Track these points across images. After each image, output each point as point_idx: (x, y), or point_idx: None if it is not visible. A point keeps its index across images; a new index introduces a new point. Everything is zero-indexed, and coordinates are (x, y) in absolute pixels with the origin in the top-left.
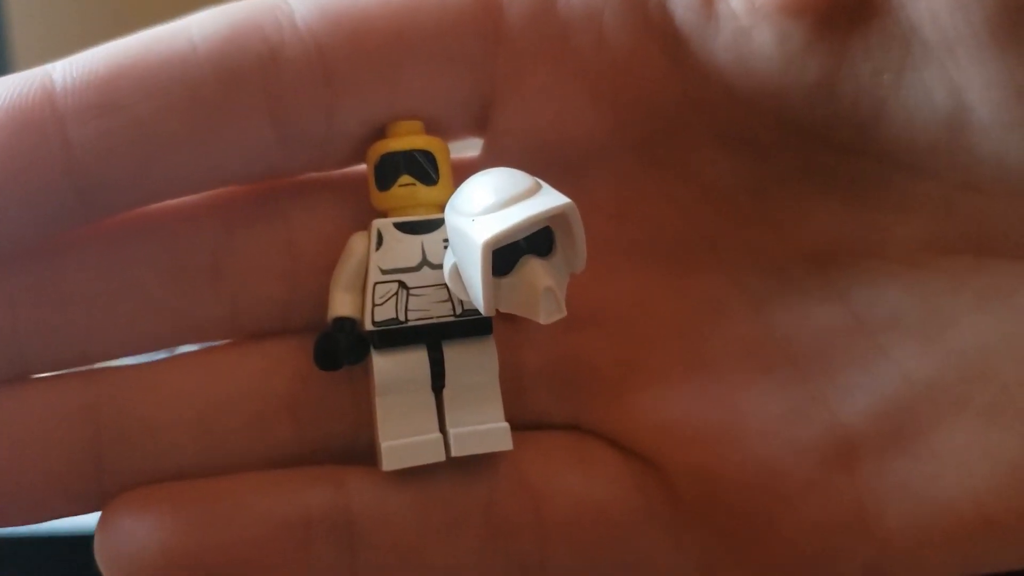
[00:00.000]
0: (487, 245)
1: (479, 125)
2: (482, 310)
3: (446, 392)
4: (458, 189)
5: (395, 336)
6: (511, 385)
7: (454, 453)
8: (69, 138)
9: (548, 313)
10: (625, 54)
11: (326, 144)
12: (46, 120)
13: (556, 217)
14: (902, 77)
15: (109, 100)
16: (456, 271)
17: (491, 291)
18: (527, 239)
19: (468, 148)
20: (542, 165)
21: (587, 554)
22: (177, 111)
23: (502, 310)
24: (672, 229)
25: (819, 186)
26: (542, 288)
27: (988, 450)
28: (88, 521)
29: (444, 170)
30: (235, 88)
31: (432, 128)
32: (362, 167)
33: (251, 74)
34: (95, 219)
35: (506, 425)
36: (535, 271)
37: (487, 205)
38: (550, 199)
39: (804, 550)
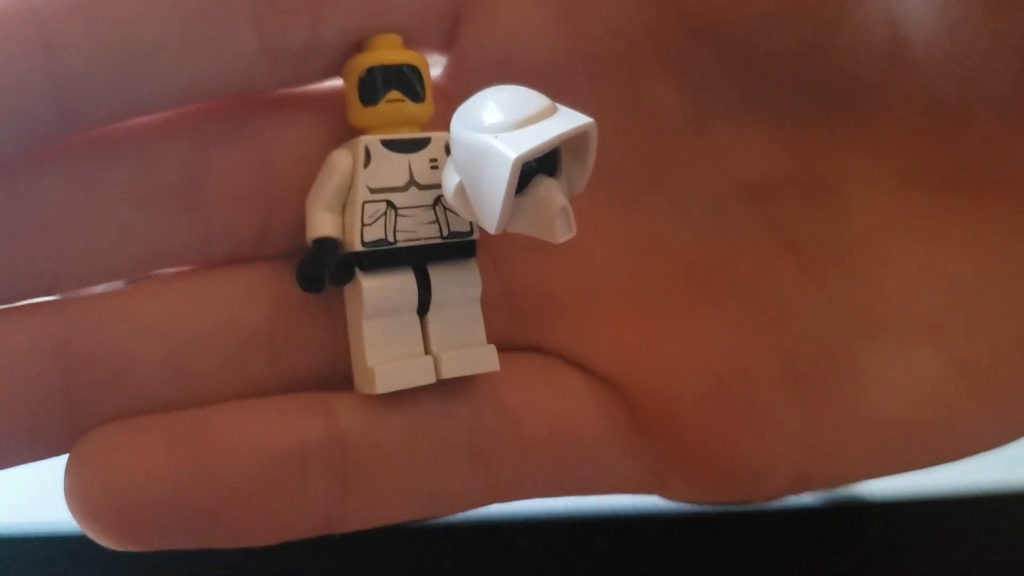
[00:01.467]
0: (518, 161)
1: (447, 42)
2: (492, 229)
3: (430, 315)
4: (465, 104)
5: (385, 257)
6: None
7: (444, 375)
8: (50, 41)
9: (562, 232)
10: None
11: (308, 56)
12: (25, 21)
13: (573, 136)
14: (844, 11)
15: (91, 2)
16: (462, 189)
17: (509, 208)
18: (538, 158)
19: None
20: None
21: (559, 470)
22: (163, 15)
23: (511, 230)
24: (621, 157)
25: (758, 119)
26: (558, 208)
27: (906, 366)
28: None
29: (428, 87)
30: None
31: (406, 43)
32: (337, 83)
33: None
34: (72, 131)
35: (492, 347)
36: (551, 191)
37: (507, 121)
38: (574, 118)
39: (746, 463)
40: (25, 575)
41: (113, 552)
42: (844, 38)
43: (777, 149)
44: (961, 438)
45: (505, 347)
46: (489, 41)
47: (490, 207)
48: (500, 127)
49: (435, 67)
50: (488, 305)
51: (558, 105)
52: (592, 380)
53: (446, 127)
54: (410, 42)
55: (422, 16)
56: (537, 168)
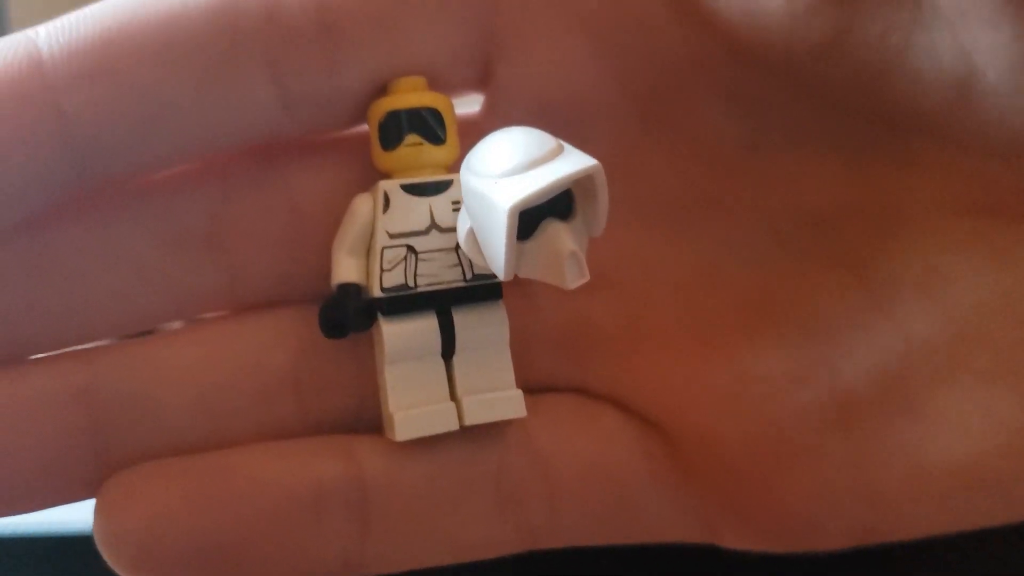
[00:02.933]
0: (514, 209)
1: (481, 80)
2: (501, 275)
3: (456, 359)
4: (474, 148)
5: (405, 303)
6: (516, 349)
7: (467, 422)
8: (63, 108)
9: (573, 278)
10: (629, 7)
11: (329, 103)
12: (35, 91)
13: (581, 179)
14: (910, 39)
15: (101, 67)
16: (472, 235)
17: (514, 256)
18: (549, 201)
19: (467, 104)
20: (544, 121)
21: (595, 516)
22: (173, 74)
23: (521, 276)
24: (671, 188)
25: (820, 146)
26: (567, 253)
27: (984, 410)
28: (90, 520)
29: (451, 129)
30: (233, 47)
31: (434, 84)
32: (364, 127)
33: (250, 31)
34: (91, 187)
35: (519, 392)
36: (559, 235)
37: (510, 166)
38: (576, 160)
39: (802, 512)
40: (25, 575)
41: None
42: (910, 67)
43: (840, 176)
44: None
45: (547, 388)
46: (526, 77)
47: (495, 254)
48: (501, 172)
49: (475, 105)
50: (529, 345)
51: (566, 146)
52: (634, 422)
53: None
54: (439, 83)
55: (448, 57)
56: (549, 211)
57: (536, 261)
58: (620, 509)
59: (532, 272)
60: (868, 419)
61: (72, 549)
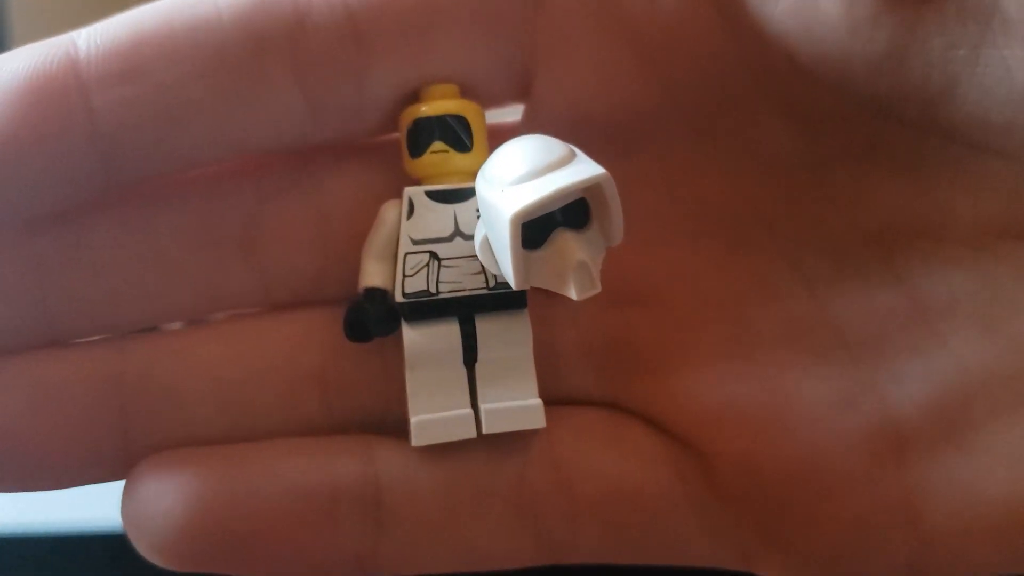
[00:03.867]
0: (516, 218)
1: (521, 91)
2: (513, 284)
3: (478, 367)
4: (490, 157)
5: (426, 308)
6: (549, 360)
7: (485, 430)
8: (93, 105)
9: (581, 289)
10: (677, 18)
11: (358, 111)
12: (70, 88)
13: (591, 188)
14: (979, 54)
15: (132, 67)
16: (487, 243)
17: (521, 265)
18: (562, 210)
19: (510, 113)
20: (587, 134)
21: (619, 534)
22: (202, 78)
23: (534, 285)
24: (724, 204)
25: (882, 163)
26: (575, 262)
27: None
28: (90, 520)
29: (479, 136)
30: (262, 54)
31: (469, 93)
32: (396, 134)
33: (278, 39)
34: (119, 185)
35: (539, 402)
36: (567, 245)
37: (518, 175)
38: (584, 169)
39: (845, 543)
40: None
41: (111, 554)
42: (977, 79)
43: (907, 195)
44: None
45: (578, 401)
46: (565, 87)
47: (505, 262)
48: (509, 180)
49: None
50: (562, 356)
51: (578, 153)
52: (668, 442)
53: None
54: (474, 92)
55: (483, 68)
56: (561, 219)
57: (546, 271)
58: (647, 529)
59: (543, 282)
60: (918, 450)
61: (72, 549)
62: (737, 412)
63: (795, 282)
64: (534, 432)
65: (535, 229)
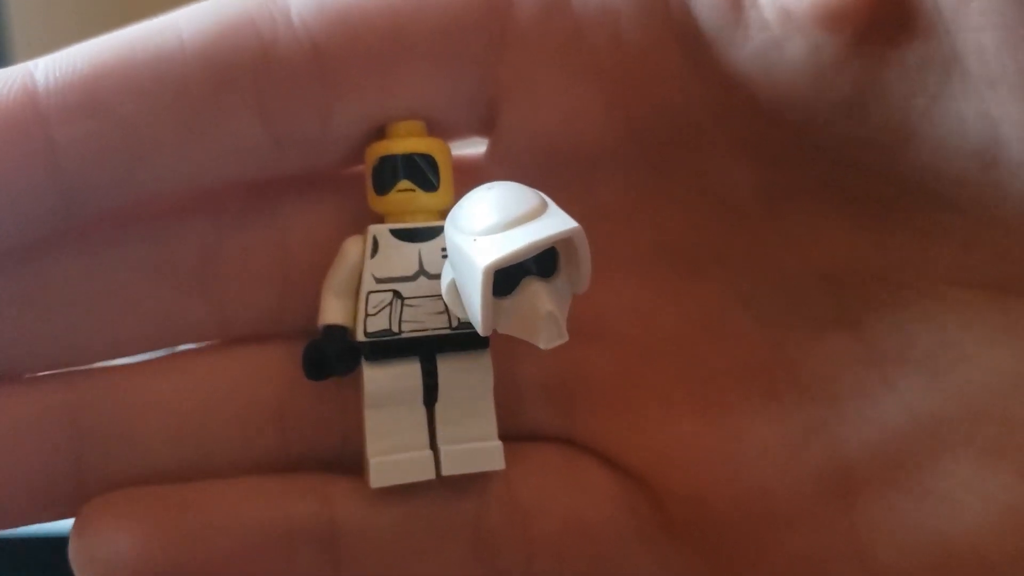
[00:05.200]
0: (488, 269)
1: (485, 125)
2: (480, 331)
3: (438, 406)
4: (460, 202)
5: (388, 348)
6: (505, 396)
7: (444, 472)
8: (53, 139)
9: (548, 338)
10: (642, 56)
11: (321, 145)
12: (29, 121)
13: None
14: (937, 104)
15: (93, 101)
16: (454, 287)
17: (490, 314)
18: (531, 258)
19: (472, 145)
20: (549, 168)
21: (573, 572)
22: (164, 111)
23: (500, 331)
24: (680, 239)
25: (838, 205)
26: (544, 313)
27: (986, 490)
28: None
29: (445, 175)
30: (225, 87)
31: (434, 128)
32: (361, 166)
33: (242, 72)
34: (79, 220)
35: (499, 444)
36: (537, 295)
37: (490, 224)
38: (556, 222)
39: None
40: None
41: None
42: (933, 130)
43: (859, 238)
44: None
45: (531, 436)
46: (530, 122)
47: (474, 309)
48: (481, 230)
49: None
50: (515, 390)
51: (550, 204)
52: (620, 478)
53: None
54: (439, 127)
55: (448, 104)
56: (531, 267)
57: (514, 319)
58: (598, 566)
59: (510, 329)
60: (866, 490)
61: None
62: (689, 450)
63: (748, 320)
64: (492, 472)
65: (505, 275)
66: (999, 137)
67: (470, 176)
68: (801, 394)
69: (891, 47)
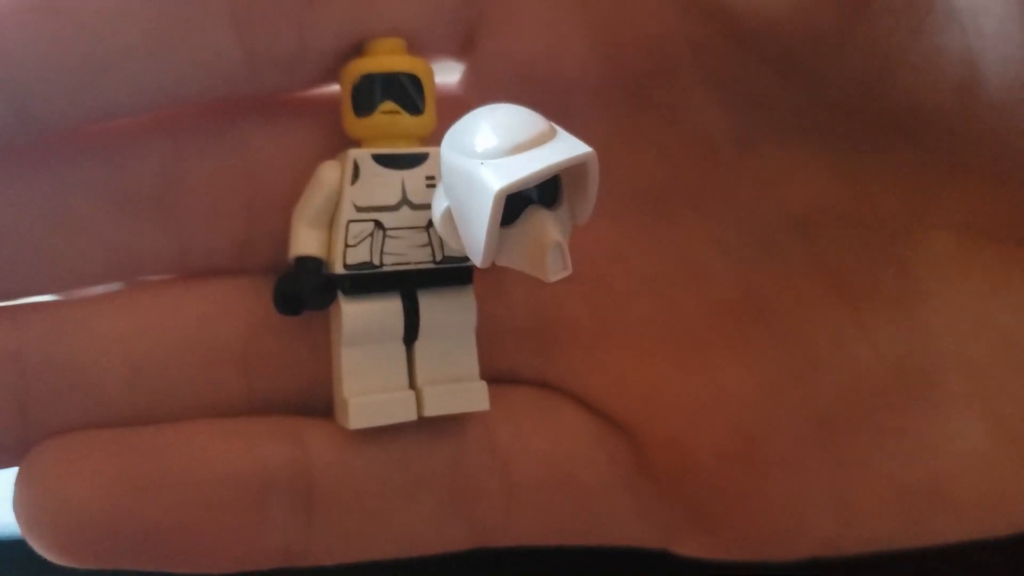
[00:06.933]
0: (501, 193)
1: (463, 48)
2: (477, 262)
3: (418, 344)
4: (458, 123)
5: (369, 282)
6: (480, 339)
7: (426, 412)
8: (6, 41)
9: (554, 270)
10: None
11: (296, 61)
12: None
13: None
14: (918, 37)
15: (50, 1)
16: (449, 216)
17: (495, 241)
18: (537, 186)
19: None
20: (527, 96)
21: (552, 518)
22: (130, 17)
23: (499, 264)
24: (655, 178)
25: (811, 146)
26: (551, 243)
27: (950, 431)
28: None
29: (430, 98)
30: None
31: (412, 47)
32: (334, 88)
33: None
34: (31, 135)
35: (483, 383)
36: (544, 223)
37: (499, 147)
38: (570, 146)
39: (774, 525)
40: None
41: None
42: (913, 63)
43: (831, 179)
44: (1007, 513)
45: (507, 379)
46: (511, 49)
47: (475, 238)
48: (490, 153)
49: (453, 73)
50: (491, 332)
51: (558, 129)
52: (599, 422)
53: None
54: (417, 47)
55: (428, 18)
56: (534, 197)
57: (517, 250)
58: (578, 511)
59: (511, 261)
60: (842, 434)
61: None
62: (667, 395)
63: (719, 261)
64: (471, 414)
65: (508, 205)
66: (977, 73)
67: (445, 105)
68: (773, 337)
69: None
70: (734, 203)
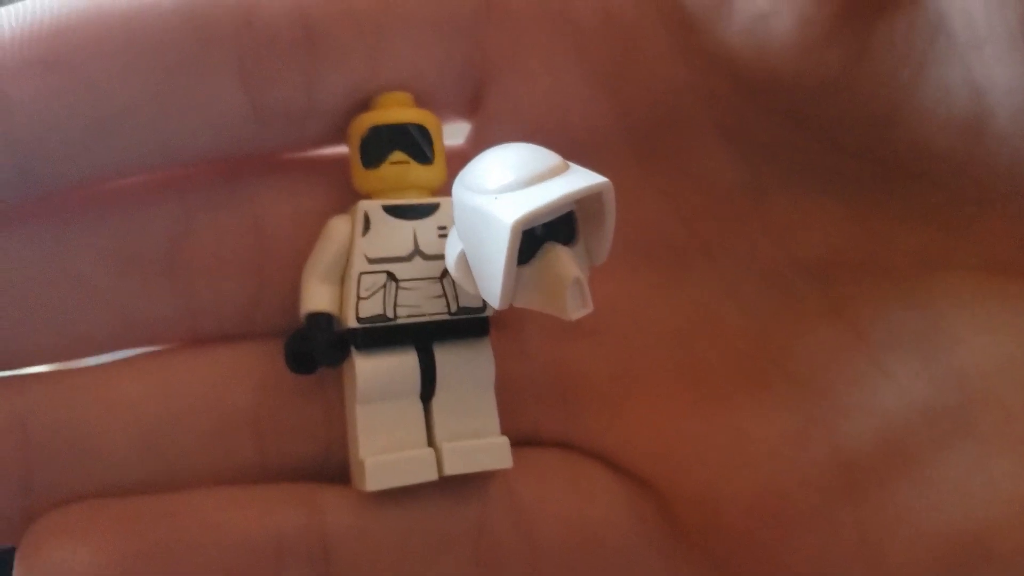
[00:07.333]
0: (517, 225)
1: (470, 104)
2: (496, 303)
3: (436, 400)
4: (469, 164)
5: (382, 335)
6: (499, 397)
7: (447, 471)
8: (7, 95)
9: (575, 307)
10: (630, 34)
11: (305, 117)
12: None
13: (585, 200)
14: (922, 74)
15: (55, 56)
16: (464, 259)
17: (512, 281)
18: (546, 226)
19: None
20: None
21: None
22: (135, 73)
23: (517, 305)
24: (666, 229)
25: (824, 191)
26: (571, 279)
27: (989, 479)
28: None
29: (439, 148)
30: (204, 50)
31: (420, 104)
32: (340, 149)
33: (223, 34)
34: (35, 194)
35: (505, 440)
36: (561, 259)
37: (511, 181)
38: (585, 177)
39: None
40: None
41: None
42: (920, 105)
43: (846, 224)
44: None
45: (528, 440)
46: (519, 104)
47: (492, 278)
48: (502, 188)
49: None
50: (511, 391)
51: (571, 164)
52: (624, 480)
53: None
54: (424, 104)
55: (436, 74)
56: (549, 235)
57: (535, 288)
58: (606, 572)
59: (530, 301)
60: (870, 483)
61: None
62: (692, 450)
63: (737, 311)
64: (492, 473)
65: (523, 243)
66: (984, 107)
67: (453, 164)
68: (795, 386)
69: (878, 17)
70: (747, 251)
